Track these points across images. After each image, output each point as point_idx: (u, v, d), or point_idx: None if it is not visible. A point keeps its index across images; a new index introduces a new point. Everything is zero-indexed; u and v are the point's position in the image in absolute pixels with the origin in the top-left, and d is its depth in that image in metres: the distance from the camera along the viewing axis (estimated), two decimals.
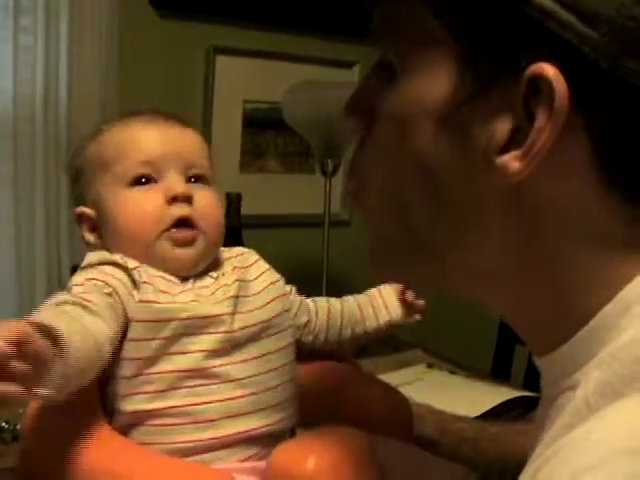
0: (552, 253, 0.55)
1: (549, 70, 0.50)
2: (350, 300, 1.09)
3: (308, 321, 1.02)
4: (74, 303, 0.78)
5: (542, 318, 0.60)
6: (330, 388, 0.95)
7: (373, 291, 1.10)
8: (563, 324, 0.57)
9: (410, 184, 0.58)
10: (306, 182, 2.70)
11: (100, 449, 0.77)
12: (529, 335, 0.64)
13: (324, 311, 1.05)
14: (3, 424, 1.29)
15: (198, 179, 0.93)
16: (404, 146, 0.58)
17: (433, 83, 0.55)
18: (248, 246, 1.69)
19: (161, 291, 0.85)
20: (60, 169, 2.29)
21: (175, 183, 0.90)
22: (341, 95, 2.02)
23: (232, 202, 1.71)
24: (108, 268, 0.85)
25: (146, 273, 0.86)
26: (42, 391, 0.66)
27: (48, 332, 0.67)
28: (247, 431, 0.85)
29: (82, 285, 0.83)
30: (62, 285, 2.25)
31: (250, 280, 0.93)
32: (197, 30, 2.51)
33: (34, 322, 0.67)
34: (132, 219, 0.88)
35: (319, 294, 2.00)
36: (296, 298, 1.02)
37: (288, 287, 1.00)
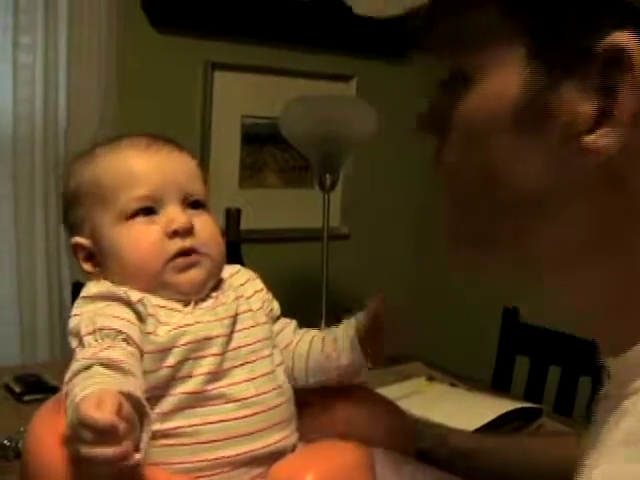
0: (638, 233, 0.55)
1: (625, 39, 0.50)
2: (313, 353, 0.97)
3: (287, 346, 0.97)
4: (108, 366, 0.76)
5: (619, 310, 0.58)
6: (327, 398, 0.95)
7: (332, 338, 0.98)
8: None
9: (494, 182, 0.58)
10: (305, 196, 2.71)
11: None
12: (603, 331, 0.62)
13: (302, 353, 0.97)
14: (5, 442, 1.29)
15: (197, 205, 0.93)
16: (485, 148, 0.58)
17: (506, 82, 0.55)
18: (247, 261, 1.71)
19: (161, 323, 0.85)
20: (60, 187, 2.30)
21: (175, 215, 0.89)
22: (338, 110, 2.05)
23: (232, 217, 1.71)
24: (112, 308, 0.85)
25: (149, 304, 0.86)
26: (137, 455, 0.69)
27: (135, 402, 0.71)
28: (252, 451, 0.85)
29: (92, 335, 0.82)
30: (63, 302, 2.28)
31: (247, 297, 0.94)
32: (195, 46, 2.52)
33: (123, 392, 0.70)
34: (134, 254, 0.88)
35: (318, 308, 2.03)
36: (282, 323, 0.99)
37: (276, 308, 0.99)
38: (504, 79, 0.56)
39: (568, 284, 0.60)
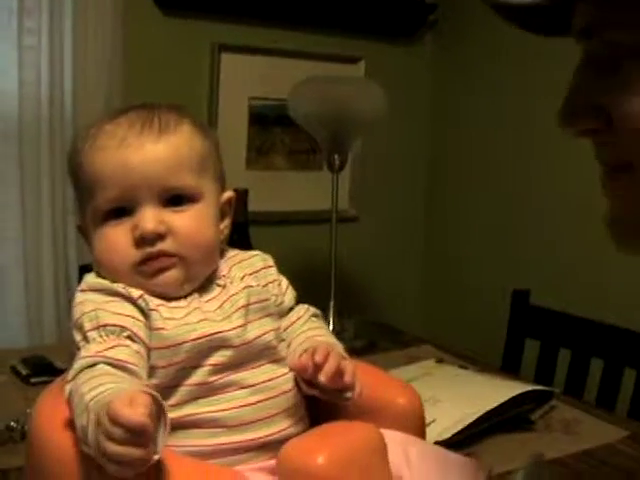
0: None
1: None
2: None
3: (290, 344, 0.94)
4: (114, 366, 0.76)
5: None
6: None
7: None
8: None
9: None
10: (313, 179, 2.70)
11: None
12: None
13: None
14: (12, 424, 1.28)
15: (179, 199, 0.88)
16: None
17: None
18: (255, 243, 1.70)
19: (166, 318, 0.83)
20: (66, 169, 2.29)
21: (143, 220, 0.85)
22: (346, 90, 2.04)
23: (239, 197, 1.70)
24: (114, 304, 0.83)
25: (150, 300, 0.84)
26: (155, 456, 0.68)
27: (156, 403, 0.69)
28: (265, 436, 0.84)
29: (97, 330, 0.81)
30: (69, 285, 2.28)
31: (261, 286, 0.92)
32: (202, 28, 2.51)
33: (145, 392, 0.69)
34: (105, 259, 0.86)
35: (327, 291, 2.02)
36: (295, 315, 0.96)
37: (288, 300, 0.97)
38: None
39: None
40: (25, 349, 1.96)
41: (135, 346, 0.80)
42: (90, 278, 0.88)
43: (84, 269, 2.12)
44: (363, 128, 2.07)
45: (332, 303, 1.99)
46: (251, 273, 0.92)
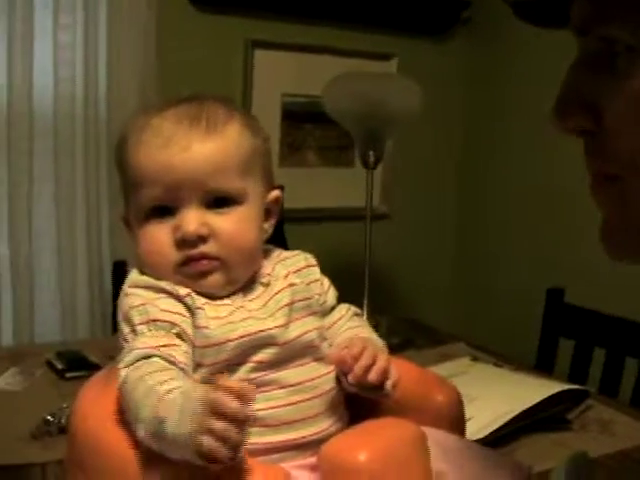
0: None
1: None
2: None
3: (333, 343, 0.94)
4: (170, 362, 0.77)
5: None
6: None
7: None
8: None
9: None
10: (344, 175, 2.70)
11: None
12: None
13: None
14: (49, 417, 1.29)
15: (221, 201, 0.86)
16: None
17: None
18: (288, 240, 1.69)
19: (211, 317, 0.83)
20: (100, 165, 2.31)
21: (186, 221, 0.84)
22: (382, 86, 2.03)
23: None
24: (163, 301, 0.82)
25: (197, 298, 0.84)
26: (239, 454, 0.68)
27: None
28: (302, 437, 0.83)
29: (146, 324, 0.80)
30: (103, 281, 2.29)
31: (304, 284, 0.90)
32: (235, 24, 2.51)
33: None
34: (147, 259, 0.86)
35: (359, 288, 2.01)
36: (337, 315, 0.96)
37: (331, 299, 0.96)
38: None
39: None
40: (59, 343, 1.98)
41: (184, 346, 0.80)
42: (135, 275, 0.87)
43: (118, 265, 2.14)
44: (398, 124, 2.06)
45: (366, 301, 1.98)
46: (294, 271, 0.91)
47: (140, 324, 0.80)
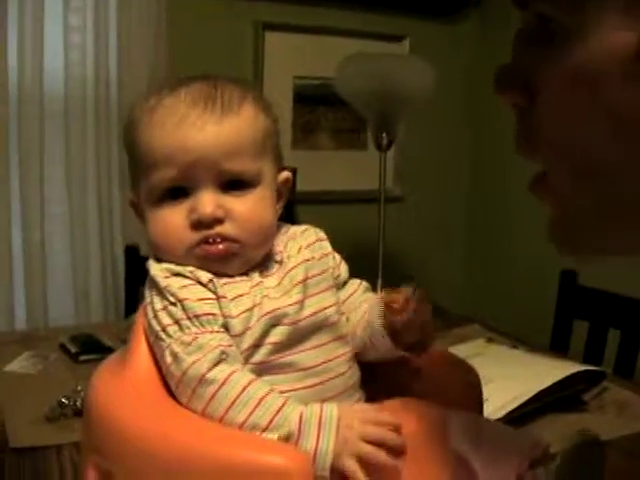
0: None
1: None
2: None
3: (350, 314, 0.93)
4: (229, 356, 0.78)
5: None
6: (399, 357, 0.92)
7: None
8: None
9: (605, 139, 0.54)
10: (357, 158, 2.69)
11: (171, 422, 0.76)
12: None
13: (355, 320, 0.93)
14: (63, 400, 1.29)
15: (236, 183, 0.85)
16: (592, 101, 0.53)
17: (615, 29, 0.52)
18: (302, 223, 1.69)
19: (232, 299, 0.82)
20: (111, 148, 2.30)
21: (202, 203, 0.82)
22: (395, 67, 2.02)
23: None
24: (193, 290, 0.81)
25: (218, 283, 0.83)
26: None
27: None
28: None
29: (190, 320, 0.79)
30: (115, 264, 2.29)
31: (317, 258, 0.90)
32: (245, 6, 2.50)
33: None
34: (160, 239, 0.85)
35: (372, 270, 2.00)
36: (351, 288, 0.95)
37: (344, 272, 0.95)
38: (614, 27, 0.52)
39: None
40: (73, 327, 1.98)
41: (227, 336, 0.80)
42: (156, 265, 0.86)
43: (130, 250, 2.14)
44: (411, 105, 2.05)
45: (379, 282, 1.97)
46: (306, 246, 0.90)
47: (184, 319, 0.80)
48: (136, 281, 2.14)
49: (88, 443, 0.82)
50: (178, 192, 0.84)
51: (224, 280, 0.83)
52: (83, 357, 1.58)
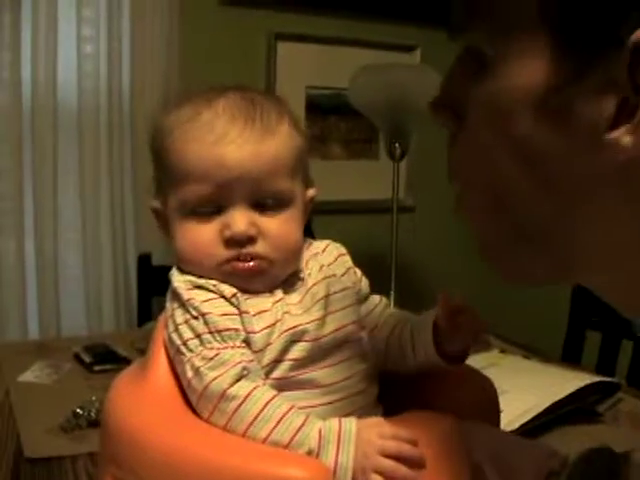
0: None
1: None
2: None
3: (373, 329, 0.94)
4: (252, 372, 0.78)
5: None
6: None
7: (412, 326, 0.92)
8: None
9: (512, 173, 0.55)
10: (369, 168, 2.69)
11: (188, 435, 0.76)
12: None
13: (388, 328, 0.94)
14: (78, 410, 1.29)
15: (270, 204, 0.85)
16: (502, 136, 0.55)
17: (530, 68, 0.53)
18: (315, 232, 1.69)
19: (254, 315, 0.82)
20: (124, 158, 2.31)
21: (235, 221, 0.82)
22: (407, 77, 2.02)
23: None
24: (216, 305, 0.81)
25: (242, 298, 0.83)
26: None
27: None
28: None
29: (212, 334, 0.79)
30: (128, 274, 2.30)
31: (339, 275, 0.90)
32: (257, 17, 2.51)
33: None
34: (188, 251, 0.84)
35: (384, 280, 2.00)
36: (372, 303, 0.95)
37: (365, 287, 0.95)
38: (528, 64, 0.53)
39: (607, 278, 0.58)
40: (86, 337, 1.98)
41: (249, 352, 0.80)
42: (179, 277, 0.86)
43: (143, 259, 2.15)
44: (424, 116, 2.04)
45: (392, 292, 1.98)
46: (329, 264, 0.90)
47: (205, 333, 0.80)
48: (148, 290, 2.15)
49: (106, 454, 0.82)
50: (211, 207, 0.84)
51: (247, 295, 0.83)
52: (97, 367, 1.58)
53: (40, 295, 2.26)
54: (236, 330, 0.80)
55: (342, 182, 2.68)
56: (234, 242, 0.83)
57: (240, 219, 0.83)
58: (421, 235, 2.81)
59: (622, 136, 0.50)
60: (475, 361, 1.55)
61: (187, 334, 0.80)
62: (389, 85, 1.94)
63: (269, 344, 0.81)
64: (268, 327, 0.81)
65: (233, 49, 2.49)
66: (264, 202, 0.84)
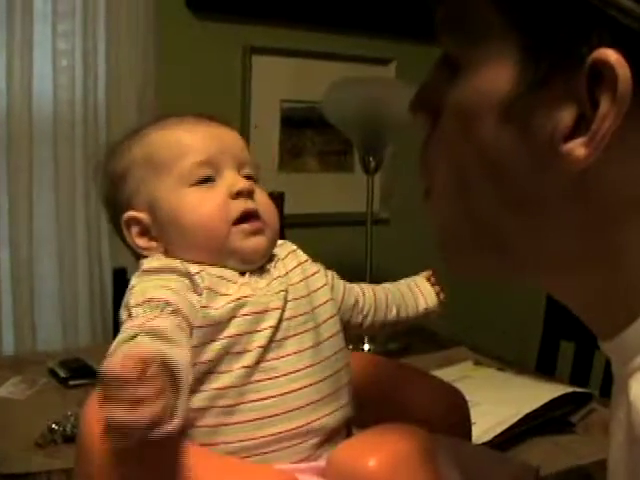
0: (618, 239, 0.55)
1: (612, 56, 0.49)
2: (390, 286, 1.11)
3: (356, 301, 1.02)
4: (149, 334, 0.72)
5: (607, 303, 0.59)
6: (386, 382, 0.94)
7: (408, 280, 1.16)
8: (629, 307, 0.57)
9: (474, 176, 0.58)
10: (345, 181, 2.70)
11: (158, 450, 0.76)
12: (594, 320, 0.63)
13: (370, 292, 1.05)
14: (53, 426, 1.29)
15: (250, 179, 0.92)
16: (467, 138, 0.58)
17: (495, 75, 0.55)
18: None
19: (219, 294, 0.83)
20: (100, 170, 2.30)
21: (236, 180, 0.89)
22: (382, 91, 2.03)
23: (275, 201, 1.70)
24: (164, 280, 0.82)
25: (208, 276, 0.84)
26: (174, 421, 0.66)
27: (170, 367, 0.67)
28: (306, 424, 0.84)
29: (141, 306, 0.78)
30: (104, 288, 2.29)
31: (290, 270, 0.92)
32: (233, 30, 2.52)
33: (154, 355, 0.66)
34: (197, 219, 0.87)
35: None
36: (339, 282, 1.02)
37: (329, 274, 0.99)
38: (494, 71, 0.55)
39: (558, 283, 0.62)
40: (61, 351, 1.98)
41: (177, 320, 0.77)
42: (147, 260, 0.88)
43: (118, 273, 2.14)
44: (398, 129, 2.06)
45: None
46: (283, 259, 0.94)
47: (135, 306, 0.79)
48: None
49: (81, 471, 0.83)
50: (206, 180, 0.89)
51: (219, 272, 0.85)
52: (72, 382, 1.58)
53: (15, 308, 2.24)
54: (165, 301, 0.79)
55: (317, 195, 2.68)
56: (242, 194, 0.88)
57: (240, 178, 0.90)
58: (396, 247, 2.82)
59: (577, 148, 0.52)
60: (448, 374, 1.57)
61: (124, 315, 0.80)
62: (363, 99, 1.95)
63: (234, 317, 0.83)
64: (233, 301, 0.83)
65: (209, 62, 2.49)
66: (246, 175, 0.91)
